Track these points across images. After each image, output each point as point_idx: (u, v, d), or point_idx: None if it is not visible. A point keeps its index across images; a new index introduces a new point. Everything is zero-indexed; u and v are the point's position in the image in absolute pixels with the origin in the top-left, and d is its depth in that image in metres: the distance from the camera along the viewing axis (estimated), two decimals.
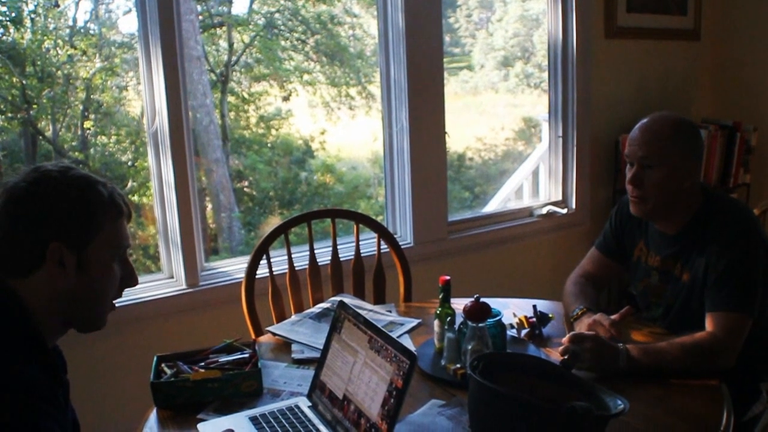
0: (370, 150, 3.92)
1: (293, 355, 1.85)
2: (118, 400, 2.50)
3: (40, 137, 3.06)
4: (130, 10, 2.87)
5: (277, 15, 3.81)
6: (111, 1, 2.99)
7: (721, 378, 1.61)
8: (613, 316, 1.80)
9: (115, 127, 3.20)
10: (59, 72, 2.97)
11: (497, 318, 1.75)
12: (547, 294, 2.45)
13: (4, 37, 2.75)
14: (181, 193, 2.58)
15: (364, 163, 4.14)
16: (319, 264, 2.33)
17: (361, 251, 2.39)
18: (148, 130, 2.60)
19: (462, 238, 3.26)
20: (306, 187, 4.04)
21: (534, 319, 1.91)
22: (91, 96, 3.09)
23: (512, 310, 1.98)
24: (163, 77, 2.48)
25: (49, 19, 2.92)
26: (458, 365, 1.65)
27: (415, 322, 2.03)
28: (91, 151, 3.19)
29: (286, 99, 3.88)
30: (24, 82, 2.82)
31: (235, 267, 2.79)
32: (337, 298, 1.96)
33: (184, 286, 2.66)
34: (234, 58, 3.75)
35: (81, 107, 3.09)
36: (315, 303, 2.26)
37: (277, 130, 3.99)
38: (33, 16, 2.85)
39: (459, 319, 1.75)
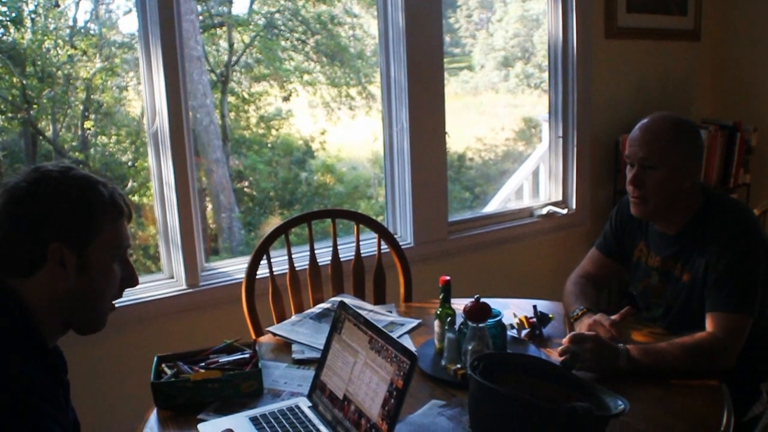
0: (370, 150, 3.92)
1: (294, 356, 1.85)
2: (118, 400, 2.50)
3: (41, 137, 3.07)
4: (130, 10, 2.87)
5: (277, 15, 3.82)
6: (111, 1, 3.00)
7: (721, 378, 1.61)
8: (613, 317, 1.80)
9: (115, 127, 3.20)
10: (59, 72, 2.97)
11: (497, 318, 1.75)
12: (548, 294, 2.45)
13: (5, 37, 2.76)
14: (181, 193, 2.58)
15: (364, 163, 4.14)
16: (320, 264, 2.33)
17: (362, 251, 2.39)
18: (149, 130, 2.60)
19: (462, 239, 3.26)
20: (306, 188, 4.04)
21: (534, 320, 1.91)
22: (92, 96, 3.09)
23: (512, 310, 1.98)
24: (163, 77, 2.48)
25: (50, 19, 2.92)
26: (458, 365, 1.65)
27: (415, 322, 2.03)
28: (92, 151, 3.19)
29: (286, 99, 3.89)
30: (24, 82, 2.82)
31: (235, 267, 2.79)
32: (338, 299, 1.96)
33: (184, 287, 2.66)
34: (234, 59, 3.75)
35: (81, 107, 3.09)
36: (315, 303, 2.26)
37: (277, 130, 3.99)
38: (33, 16, 2.85)
39: (459, 320, 1.75)
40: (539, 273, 3.45)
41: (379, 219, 2.98)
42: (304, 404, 1.57)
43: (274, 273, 2.27)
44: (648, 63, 3.63)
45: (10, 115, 2.83)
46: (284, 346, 1.92)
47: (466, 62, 4.35)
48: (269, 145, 3.96)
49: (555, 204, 3.55)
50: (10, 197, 1.15)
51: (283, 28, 3.84)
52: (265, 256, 2.24)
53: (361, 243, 2.39)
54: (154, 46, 2.48)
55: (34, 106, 2.92)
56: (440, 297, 1.82)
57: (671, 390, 1.58)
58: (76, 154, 3.12)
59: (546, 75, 3.54)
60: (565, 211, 3.51)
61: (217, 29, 3.68)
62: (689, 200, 1.85)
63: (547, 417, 1.26)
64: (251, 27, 3.75)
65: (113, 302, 1.27)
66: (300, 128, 4.02)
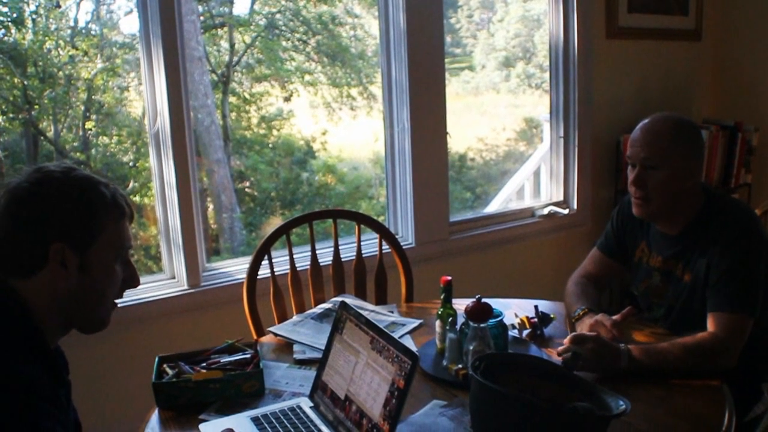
0: (371, 150, 3.92)
1: (295, 356, 1.85)
2: (119, 400, 2.50)
3: (42, 138, 3.07)
4: (131, 11, 2.87)
5: (278, 15, 3.82)
6: (112, 1, 3.00)
7: (722, 378, 1.61)
8: (614, 317, 1.80)
9: (116, 127, 3.21)
10: (61, 72, 2.97)
11: (499, 318, 1.74)
12: (549, 294, 2.45)
13: (6, 38, 2.76)
14: (182, 193, 2.58)
15: (365, 163, 4.14)
16: (321, 264, 2.33)
17: (363, 252, 2.39)
18: (150, 130, 2.60)
19: (463, 239, 3.26)
20: (307, 188, 4.04)
21: (535, 320, 1.91)
22: (93, 96, 3.09)
23: (514, 310, 1.98)
24: (164, 78, 2.49)
25: (51, 20, 2.92)
26: (460, 366, 1.65)
27: (416, 322, 2.03)
28: (93, 151, 3.19)
29: (287, 99, 3.89)
30: (25, 82, 2.82)
31: (236, 267, 2.79)
32: (339, 299, 1.96)
33: (185, 287, 2.66)
34: (235, 59, 3.76)
35: (82, 108, 3.10)
36: (316, 303, 2.26)
37: (278, 130, 4.00)
38: (34, 16, 2.85)
39: (460, 320, 1.75)
40: (540, 273, 3.45)
41: (381, 219, 2.98)
42: (306, 404, 1.57)
43: (276, 273, 2.27)
44: (649, 63, 3.63)
45: (11, 115, 2.84)
46: (285, 346, 1.92)
47: (467, 62, 4.35)
48: (270, 146, 3.97)
49: (556, 204, 3.55)
50: (12, 197, 1.15)
51: (284, 28, 3.85)
52: (266, 257, 2.24)
53: (362, 243, 2.39)
54: (155, 46, 2.48)
55: (36, 106, 2.92)
56: (441, 297, 1.82)
57: (672, 390, 1.58)
58: (78, 154, 3.13)
59: (547, 75, 3.54)
60: (566, 211, 3.51)
61: (218, 29, 3.68)
62: (691, 200, 1.85)
63: (549, 417, 1.26)
64: (252, 27, 3.75)
65: (115, 300, 1.27)
66: (301, 128, 4.02)
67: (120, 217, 1.22)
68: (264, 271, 2.24)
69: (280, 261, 2.50)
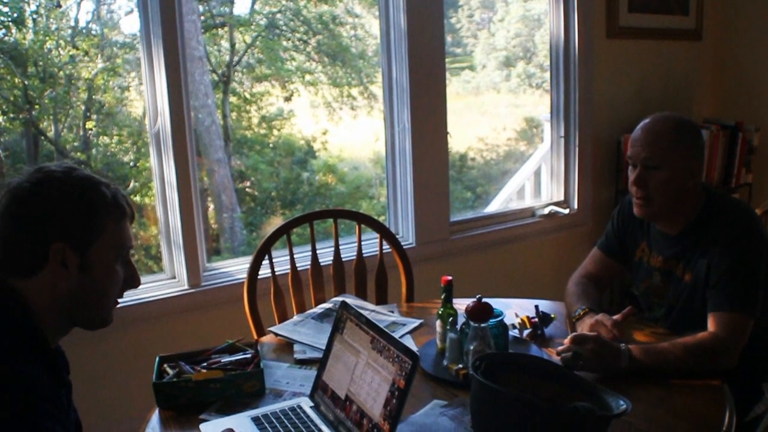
0: (371, 150, 3.93)
1: (295, 356, 1.85)
2: (120, 400, 2.51)
3: (42, 138, 3.07)
4: (131, 11, 2.87)
5: (278, 15, 3.82)
6: (113, 1, 3.00)
7: (723, 378, 1.61)
8: (615, 317, 1.80)
9: (117, 127, 3.21)
10: (61, 72, 2.97)
11: (499, 318, 1.74)
12: (549, 294, 2.45)
13: (6, 38, 2.76)
14: (183, 193, 2.58)
15: (365, 163, 4.14)
16: (321, 264, 2.33)
17: (363, 251, 2.39)
18: (150, 130, 2.60)
19: (464, 239, 3.26)
20: (308, 188, 4.05)
21: (536, 320, 1.91)
22: (93, 96, 3.10)
23: (514, 310, 1.98)
24: (165, 77, 2.49)
25: (51, 20, 2.92)
26: (460, 365, 1.65)
27: (417, 322, 2.03)
28: (93, 151, 3.20)
29: (287, 99, 3.89)
30: (26, 82, 2.83)
31: (237, 267, 2.79)
32: (339, 299, 1.96)
33: (186, 287, 2.66)
34: (236, 59, 3.76)
35: (83, 108, 3.10)
36: (317, 303, 2.26)
37: (278, 130, 4.00)
38: (35, 16, 2.85)
39: (461, 320, 1.75)
40: (541, 273, 3.45)
41: (381, 219, 2.98)
42: (306, 404, 1.57)
43: (276, 273, 2.27)
44: (650, 63, 3.63)
45: (12, 115, 2.84)
46: (286, 346, 1.92)
47: (468, 62, 4.35)
48: (271, 145, 3.97)
49: (557, 204, 3.55)
50: (13, 197, 1.15)
51: (284, 28, 3.85)
52: (266, 256, 2.24)
53: (362, 243, 2.39)
54: (156, 46, 2.48)
55: (36, 106, 2.92)
56: (442, 297, 1.82)
57: (673, 390, 1.58)
58: (78, 154, 3.13)
59: (547, 75, 3.54)
60: (566, 211, 3.51)
61: (219, 29, 3.68)
62: (692, 200, 1.85)
63: (549, 417, 1.25)
64: (253, 27, 3.75)
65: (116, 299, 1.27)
66: (302, 128, 4.02)
67: (121, 217, 1.22)
68: (264, 271, 2.24)
69: (281, 261, 2.50)
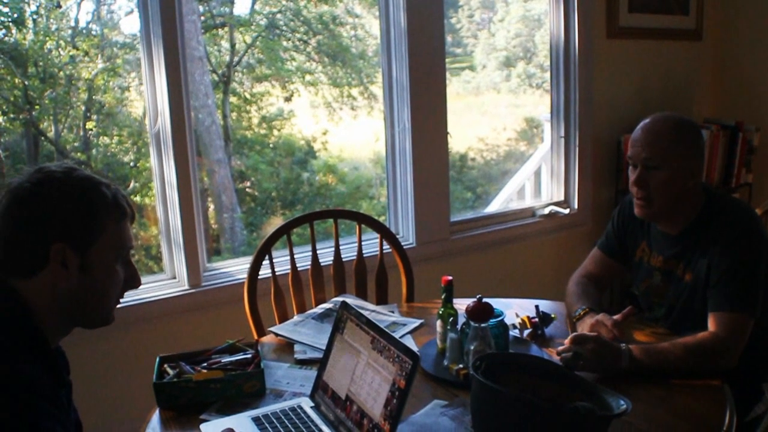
0: (372, 150, 3.93)
1: (296, 356, 1.85)
2: (120, 400, 2.51)
3: (42, 138, 3.07)
4: (132, 11, 2.88)
5: (278, 15, 3.82)
6: (113, 1, 3.00)
7: (723, 378, 1.61)
8: (615, 317, 1.80)
9: (117, 127, 3.21)
10: (61, 73, 2.97)
11: (500, 318, 1.74)
12: (550, 294, 2.45)
13: (7, 38, 2.76)
14: (183, 193, 2.58)
15: (366, 163, 4.15)
16: (322, 264, 2.33)
17: (364, 252, 2.39)
18: (150, 130, 2.60)
19: (464, 239, 3.26)
20: (308, 188, 4.05)
21: (536, 320, 1.91)
22: (93, 97, 3.10)
23: (515, 310, 1.98)
24: (165, 78, 2.49)
25: (51, 20, 2.93)
26: (461, 365, 1.65)
27: (417, 322, 2.03)
28: (93, 151, 3.20)
29: (288, 99, 3.89)
30: (26, 82, 2.83)
31: (237, 267, 2.79)
32: (340, 299, 1.96)
33: (186, 287, 2.66)
34: (236, 59, 3.76)
35: (83, 108, 3.10)
36: (317, 303, 2.26)
37: (279, 130, 4.00)
38: (35, 17, 2.85)
39: (461, 320, 1.75)
40: (541, 273, 3.45)
41: (381, 219, 2.98)
42: (307, 404, 1.57)
43: (276, 273, 2.27)
44: (650, 63, 3.63)
45: (12, 115, 2.84)
46: (286, 346, 1.92)
47: (468, 62, 4.35)
48: (271, 146, 3.97)
49: (557, 204, 3.55)
50: (13, 198, 1.15)
51: (284, 28, 3.85)
52: (267, 257, 2.24)
53: (363, 243, 2.39)
54: (156, 46, 2.48)
55: (36, 106, 2.92)
56: (442, 297, 1.82)
57: (673, 390, 1.58)
58: (78, 154, 3.13)
59: (548, 75, 3.54)
60: (567, 211, 3.51)
61: (219, 29, 3.68)
62: (692, 200, 1.85)
63: (550, 417, 1.26)
64: (253, 27, 3.75)
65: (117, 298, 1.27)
66: (302, 128, 4.03)
67: (121, 218, 1.22)
68: (265, 271, 2.24)
69: (281, 261, 2.50)
